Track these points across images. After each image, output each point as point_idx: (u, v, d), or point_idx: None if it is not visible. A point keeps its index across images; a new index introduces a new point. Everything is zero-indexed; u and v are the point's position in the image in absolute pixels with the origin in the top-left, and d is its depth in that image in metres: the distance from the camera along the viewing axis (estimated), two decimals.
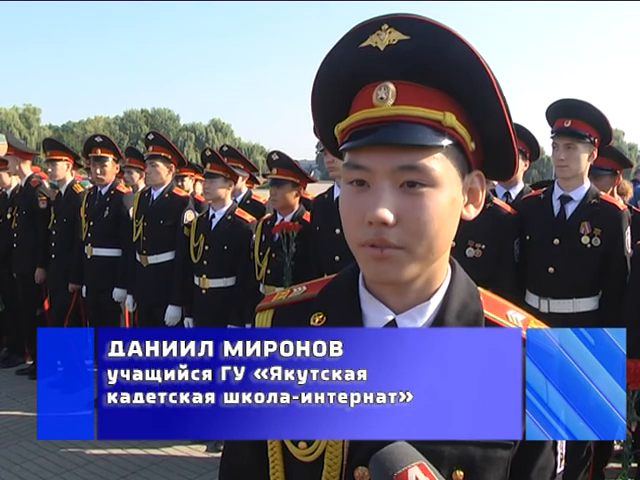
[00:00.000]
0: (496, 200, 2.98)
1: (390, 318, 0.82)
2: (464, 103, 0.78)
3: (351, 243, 0.79)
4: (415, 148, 0.75)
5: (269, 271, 3.53)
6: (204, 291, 3.81)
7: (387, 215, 0.74)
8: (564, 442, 0.85)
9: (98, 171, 4.50)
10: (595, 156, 2.87)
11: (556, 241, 2.82)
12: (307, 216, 3.50)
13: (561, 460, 0.86)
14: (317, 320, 0.86)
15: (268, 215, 3.83)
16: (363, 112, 0.78)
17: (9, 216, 5.31)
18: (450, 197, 0.77)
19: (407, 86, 0.76)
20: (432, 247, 0.77)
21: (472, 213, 0.84)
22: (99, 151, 4.51)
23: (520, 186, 4.00)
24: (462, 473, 0.78)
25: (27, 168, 5.28)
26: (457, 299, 0.83)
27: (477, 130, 0.80)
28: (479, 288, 0.88)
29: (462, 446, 0.78)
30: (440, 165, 0.76)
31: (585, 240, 2.79)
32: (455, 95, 0.77)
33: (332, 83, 0.83)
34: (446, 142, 0.76)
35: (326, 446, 0.82)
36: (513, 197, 3.85)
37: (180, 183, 5.13)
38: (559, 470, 0.86)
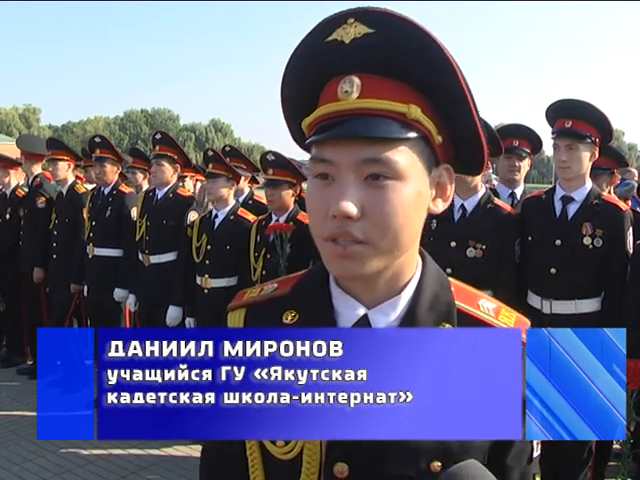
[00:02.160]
0: (497, 200, 2.97)
1: (362, 313, 0.81)
2: (429, 96, 0.77)
3: (316, 238, 0.78)
4: (379, 141, 0.74)
5: (264, 272, 3.51)
6: (206, 291, 3.80)
7: (351, 208, 0.73)
8: None
9: (97, 171, 4.52)
10: (596, 156, 2.85)
11: (558, 242, 2.81)
12: (302, 216, 3.47)
13: (537, 445, 0.86)
14: (289, 318, 0.85)
15: (263, 215, 3.82)
16: (328, 106, 0.77)
17: (8, 216, 5.32)
18: (415, 190, 0.76)
19: (372, 79, 0.76)
20: (397, 241, 0.76)
21: (440, 207, 0.82)
22: (98, 151, 4.52)
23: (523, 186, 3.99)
24: (440, 464, 0.78)
25: (37, 168, 5.30)
26: (428, 291, 0.83)
27: (444, 123, 0.79)
28: (450, 279, 0.87)
29: None
30: (405, 158, 0.75)
31: (587, 241, 2.77)
32: (420, 88, 0.77)
33: (300, 77, 0.82)
34: (411, 135, 0.75)
35: (304, 444, 0.81)
36: (518, 197, 3.84)
37: (181, 184, 5.12)
38: (535, 454, 0.86)
